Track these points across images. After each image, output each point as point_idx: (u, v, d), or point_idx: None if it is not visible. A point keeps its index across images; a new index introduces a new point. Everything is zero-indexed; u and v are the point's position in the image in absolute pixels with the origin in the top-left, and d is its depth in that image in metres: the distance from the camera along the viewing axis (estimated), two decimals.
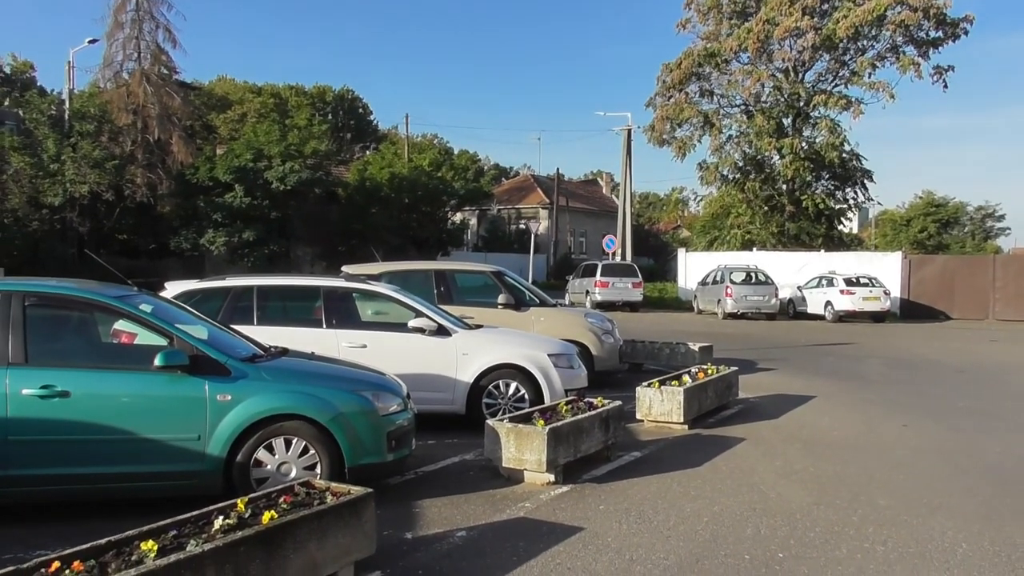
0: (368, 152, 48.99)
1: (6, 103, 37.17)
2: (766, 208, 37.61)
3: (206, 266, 31.24)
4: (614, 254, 35.71)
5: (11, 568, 3.51)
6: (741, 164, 38.20)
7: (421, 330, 8.65)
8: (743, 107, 38.80)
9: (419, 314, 8.79)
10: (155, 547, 3.79)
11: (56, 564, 3.58)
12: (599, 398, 7.87)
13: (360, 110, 61.74)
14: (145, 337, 6.01)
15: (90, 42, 32.37)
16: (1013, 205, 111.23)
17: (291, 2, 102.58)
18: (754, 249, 34.90)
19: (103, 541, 3.86)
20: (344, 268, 12.30)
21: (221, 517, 4.23)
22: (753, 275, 28.48)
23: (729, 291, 27.44)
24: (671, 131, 38.48)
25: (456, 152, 54.14)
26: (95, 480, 5.56)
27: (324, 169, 34.74)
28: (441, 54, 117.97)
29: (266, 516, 4.24)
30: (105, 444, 5.53)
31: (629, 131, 37.37)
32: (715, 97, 39.06)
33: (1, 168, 28.09)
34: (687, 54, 37.79)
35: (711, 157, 38.68)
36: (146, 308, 6.13)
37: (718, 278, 28.83)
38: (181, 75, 35.36)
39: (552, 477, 6.69)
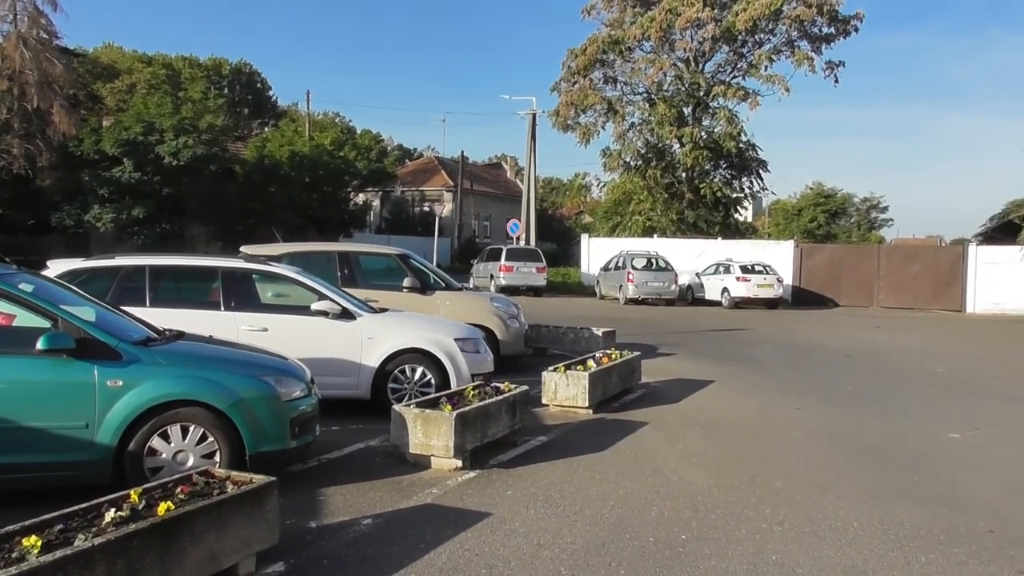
0: (267, 129, 47.43)
1: None
2: (666, 195, 38.54)
3: (92, 244, 29.61)
4: (518, 238, 35.89)
5: None
6: (643, 151, 38.99)
7: (325, 313, 8.42)
8: (646, 95, 39.56)
9: (323, 297, 8.55)
10: (39, 543, 3.54)
11: None
12: (506, 383, 7.86)
13: (258, 85, 59.60)
14: (26, 319, 5.60)
15: None
16: (896, 197, 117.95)
17: None
18: (655, 236, 35.71)
19: None
20: (243, 248, 11.87)
21: (113, 509, 3.99)
22: (654, 261, 29.16)
23: (631, 277, 28.00)
24: (575, 117, 38.93)
25: (359, 132, 53.02)
26: None
27: (220, 145, 33.40)
28: (344, 33, 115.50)
29: (162, 507, 4.03)
30: None
31: (534, 115, 37.55)
32: (619, 84, 39.77)
33: None
34: (592, 40, 38.22)
35: (614, 144, 39.41)
36: (26, 288, 5.74)
37: (620, 264, 29.38)
38: (63, 40, 33.15)
39: (459, 463, 6.64)
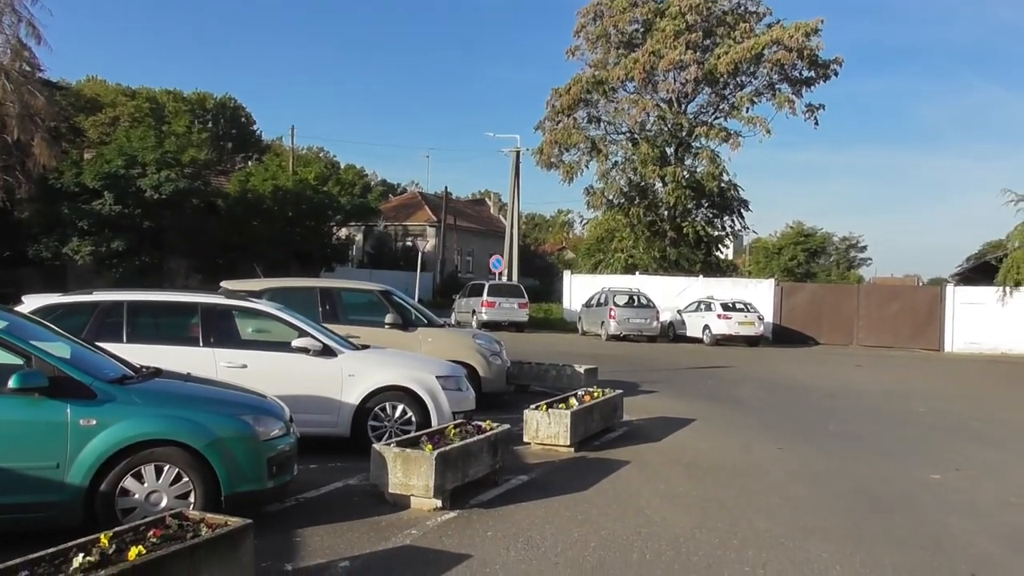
0: (251, 163, 47.47)
1: None
2: (649, 233, 38.76)
3: (69, 277, 29.31)
4: (501, 274, 35.92)
5: None
6: (626, 190, 39.29)
7: (305, 350, 8.33)
8: (629, 135, 39.96)
9: (303, 333, 8.47)
10: None
11: None
12: (487, 421, 7.79)
13: (243, 119, 59.72)
14: (0, 356, 5.49)
15: None
16: (873, 236, 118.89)
17: (169, 9, 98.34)
18: (637, 273, 35.85)
19: None
20: (223, 284, 11.77)
21: (81, 554, 3.88)
22: (636, 298, 29.25)
23: (613, 313, 28.05)
24: (559, 155, 39.20)
25: (343, 166, 53.19)
26: None
27: (203, 179, 33.36)
28: (329, 70, 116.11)
29: (132, 552, 3.93)
30: None
31: (518, 153, 37.87)
32: (602, 124, 40.12)
33: None
34: (576, 80, 38.64)
35: (598, 182, 39.68)
36: None
37: (602, 300, 29.44)
38: (46, 73, 33.10)
39: (439, 503, 6.54)
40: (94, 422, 5.27)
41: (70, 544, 4.00)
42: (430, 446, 6.66)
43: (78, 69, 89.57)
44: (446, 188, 53.44)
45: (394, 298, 12.12)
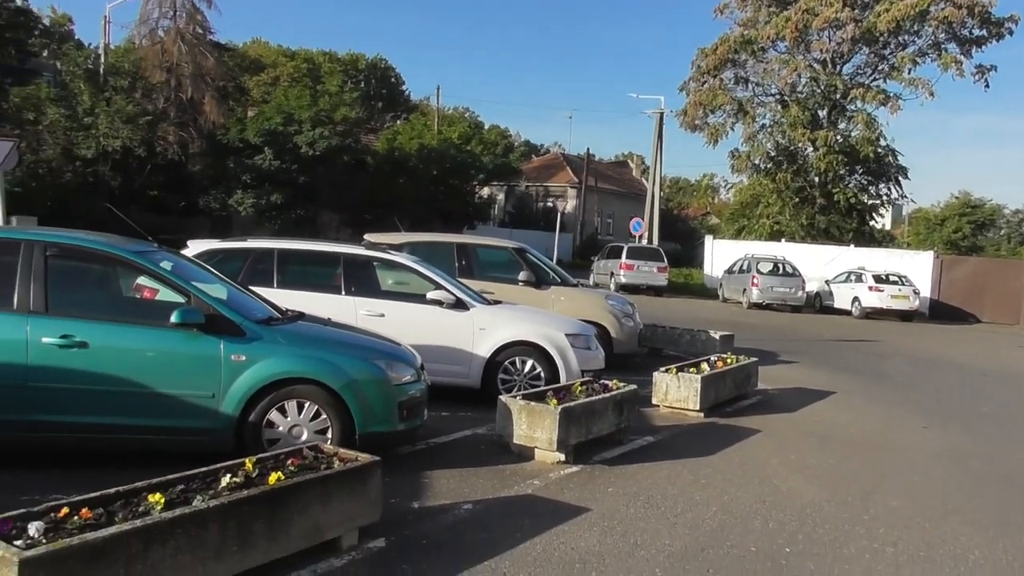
0: (398, 122, 48.86)
1: (44, 55, 37.33)
2: (797, 200, 37.17)
3: (233, 226, 31.36)
4: (641, 237, 35.48)
5: (22, 511, 3.54)
6: (773, 154, 37.73)
7: (439, 303, 8.62)
8: (778, 96, 38.25)
9: (438, 286, 8.76)
10: (162, 500, 3.82)
11: (65, 510, 3.61)
12: (615, 381, 7.82)
13: (392, 80, 61.43)
14: (165, 293, 6.04)
15: None
16: None
17: None
18: (783, 240, 34.52)
19: (112, 491, 3.89)
20: (366, 236, 12.28)
21: (228, 475, 4.24)
22: (780, 266, 28.19)
23: (755, 281, 27.17)
24: (704, 117, 38.04)
25: (487, 127, 53.82)
26: (112, 431, 5.61)
27: (353, 136, 34.67)
28: (476, 31, 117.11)
29: (272, 477, 4.25)
30: (122, 396, 5.57)
31: (661, 115, 37.05)
32: (750, 85, 38.56)
33: (37, 119, 28.32)
34: (723, 40, 37.26)
35: (743, 145, 38.28)
36: (166, 265, 6.14)
37: (745, 267, 28.55)
38: (215, 35, 35.38)
39: (562, 456, 6.66)
40: (243, 358, 5.70)
41: (220, 465, 4.38)
42: (555, 400, 6.77)
43: (243, 31, 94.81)
44: (588, 150, 53.21)
45: (528, 256, 12.26)
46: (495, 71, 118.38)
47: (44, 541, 3.31)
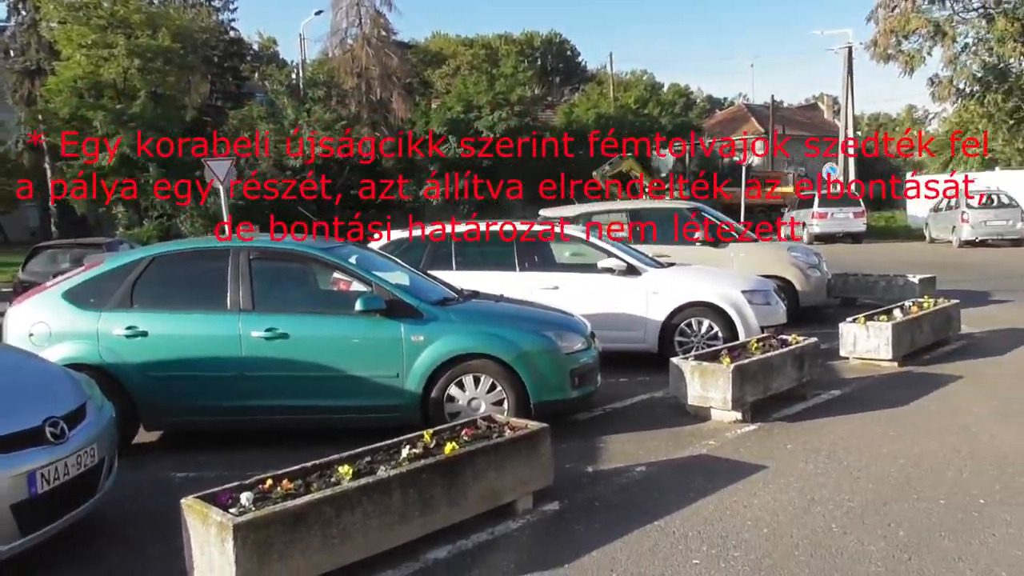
0: (576, 95, 48.97)
1: (255, 77, 40.95)
2: (1011, 122, 33.41)
3: (425, 215, 32.94)
4: (836, 182, 33.47)
5: (236, 484, 4.12)
6: (980, 75, 34.05)
7: (610, 270, 8.76)
8: (981, 10, 34.34)
9: (609, 255, 8.90)
10: (351, 471, 4.28)
11: (270, 482, 4.15)
12: (794, 335, 7.62)
13: (568, 53, 61.70)
14: (356, 284, 6.65)
15: (316, 13, 35.05)
16: None
17: None
18: (996, 168, 31.23)
19: (309, 464, 4.41)
20: (541, 212, 12.61)
21: (408, 447, 4.65)
22: (995, 197, 25.51)
23: (965, 216, 24.81)
24: (897, 44, 34.94)
25: (665, 86, 52.68)
26: (314, 412, 6.30)
27: (531, 115, 35.25)
28: None
29: (448, 447, 4.63)
30: (320, 380, 6.21)
31: (849, 49, 34.72)
32: (947, 3, 34.91)
33: (251, 136, 31.19)
34: None
35: (944, 70, 34.80)
36: (352, 259, 6.75)
37: (953, 203, 26.19)
38: (398, 35, 37.17)
39: (739, 415, 6.62)
40: (422, 338, 6.17)
41: (401, 438, 4.82)
42: (728, 359, 6.73)
43: (423, 27, 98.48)
44: (772, 97, 50.70)
45: (704, 215, 12.07)
46: (672, 28, 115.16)
47: (253, 509, 3.85)
